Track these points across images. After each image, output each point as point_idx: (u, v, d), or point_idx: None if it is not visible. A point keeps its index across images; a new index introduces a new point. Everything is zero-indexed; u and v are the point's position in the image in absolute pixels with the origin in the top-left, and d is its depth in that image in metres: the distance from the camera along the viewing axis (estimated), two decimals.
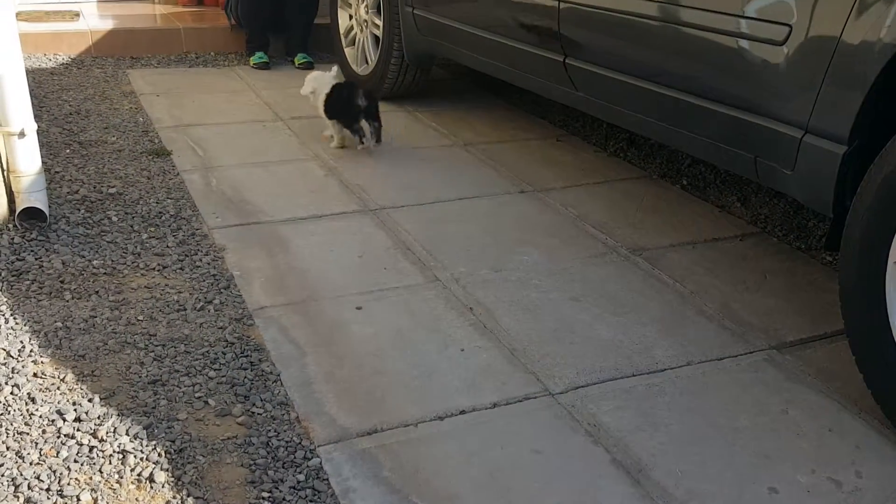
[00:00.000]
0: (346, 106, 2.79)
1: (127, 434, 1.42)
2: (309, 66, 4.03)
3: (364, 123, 2.77)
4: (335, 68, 2.94)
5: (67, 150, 2.72)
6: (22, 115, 2.07)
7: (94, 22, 4.31)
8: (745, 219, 2.40)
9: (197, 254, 2.05)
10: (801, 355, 1.73)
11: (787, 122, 1.67)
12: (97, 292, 1.85)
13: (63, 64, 3.91)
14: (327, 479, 1.34)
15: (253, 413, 1.49)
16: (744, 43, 1.73)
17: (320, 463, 1.37)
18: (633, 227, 2.32)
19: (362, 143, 2.81)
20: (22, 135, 2.08)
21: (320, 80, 2.88)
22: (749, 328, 1.83)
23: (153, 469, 1.35)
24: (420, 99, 3.55)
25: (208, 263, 2.01)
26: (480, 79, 3.87)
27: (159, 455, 1.38)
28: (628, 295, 1.95)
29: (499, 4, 2.56)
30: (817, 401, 1.59)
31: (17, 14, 3.98)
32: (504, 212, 2.39)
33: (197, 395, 1.53)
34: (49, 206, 2.18)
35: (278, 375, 1.59)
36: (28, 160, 2.10)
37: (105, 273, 1.94)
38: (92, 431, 1.42)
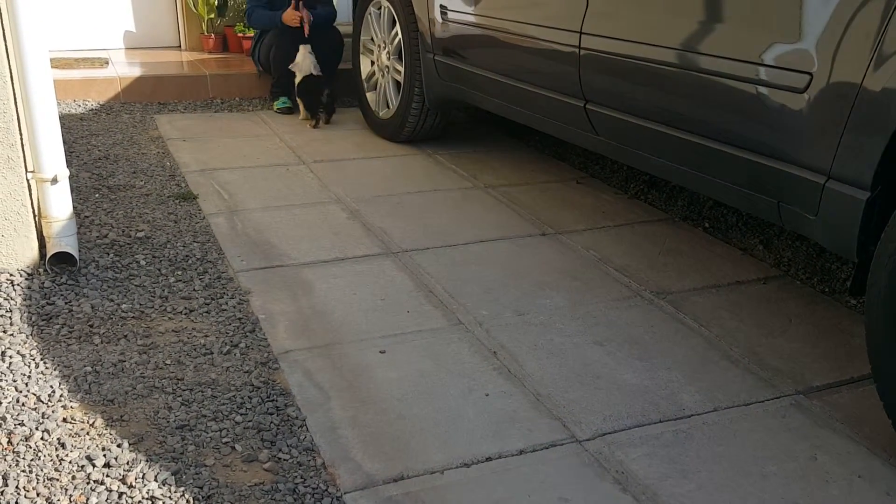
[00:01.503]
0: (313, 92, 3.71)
1: (155, 480, 1.42)
2: (332, 110, 4.09)
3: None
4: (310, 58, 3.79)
5: (97, 195, 2.78)
6: (55, 161, 2.12)
7: (123, 69, 4.42)
8: (769, 262, 2.40)
9: (223, 297, 2.07)
10: (829, 400, 1.71)
11: (810, 169, 1.67)
12: (126, 336, 1.87)
13: (92, 110, 4.01)
14: None
15: (279, 459, 1.49)
16: (764, 90, 1.75)
17: None
18: (656, 270, 2.31)
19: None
20: (54, 181, 2.12)
21: (303, 65, 3.79)
22: (775, 373, 1.81)
23: None
24: (440, 142, 3.59)
25: (234, 307, 2.03)
26: (500, 122, 3.92)
27: (187, 501, 1.38)
28: (653, 339, 1.94)
29: (520, 51, 2.61)
30: (846, 447, 1.56)
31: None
32: (526, 254, 2.40)
33: (224, 440, 1.53)
34: (79, 251, 2.21)
35: (304, 420, 1.59)
36: (60, 206, 2.15)
37: (133, 317, 1.96)
38: (121, 477, 1.42)
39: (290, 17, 4.03)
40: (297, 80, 3.88)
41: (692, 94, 1.94)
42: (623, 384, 1.75)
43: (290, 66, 3.92)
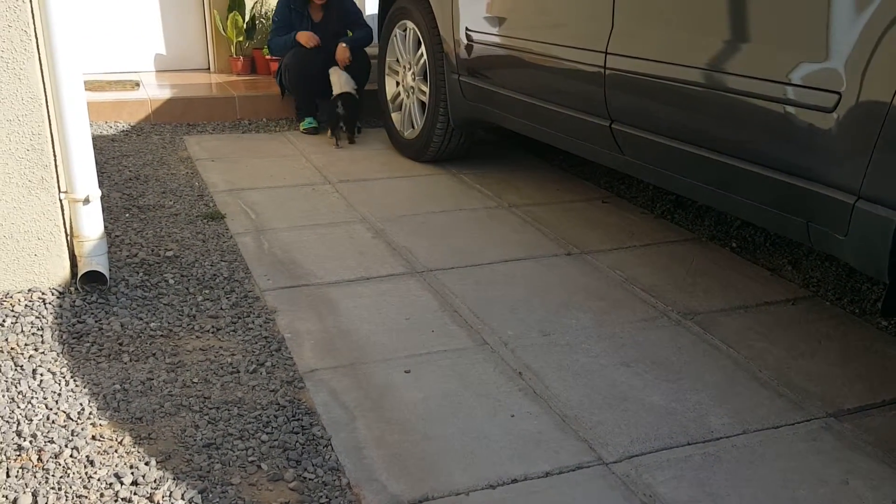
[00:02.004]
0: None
1: (182, 498, 1.43)
2: (358, 131, 4.13)
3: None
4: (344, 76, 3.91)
5: (127, 215, 2.82)
6: (87, 182, 2.16)
7: (153, 91, 4.51)
8: (797, 282, 2.36)
9: (249, 316, 2.09)
10: (860, 423, 1.67)
11: (839, 188, 1.65)
12: (154, 354, 1.89)
13: (123, 131, 4.09)
14: None
15: (305, 478, 1.49)
16: (793, 109, 1.73)
17: None
18: (683, 290, 2.29)
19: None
20: (87, 201, 2.16)
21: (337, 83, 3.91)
22: (805, 395, 1.78)
23: None
24: (465, 162, 3.61)
25: (260, 325, 2.04)
26: (524, 142, 3.93)
27: None
28: (681, 360, 1.92)
29: (545, 71, 2.62)
30: (878, 470, 1.52)
31: None
32: (551, 274, 2.40)
33: (250, 458, 1.54)
34: (109, 270, 2.25)
35: (329, 440, 1.59)
36: (91, 225, 2.19)
37: (162, 335, 1.98)
38: (148, 495, 1.44)
39: (306, 37, 4.09)
40: (335, 95, 3.94)
41: (719, 114, 1.93)
42: (650, 406, 1.73)
43: (334, 91, 3.98)
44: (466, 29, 3.06)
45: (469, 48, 3.07)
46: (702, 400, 1.75)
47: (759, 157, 1.84)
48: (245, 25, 4.96)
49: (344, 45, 4.11)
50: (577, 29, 2.44)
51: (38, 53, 2.04)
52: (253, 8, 5.07)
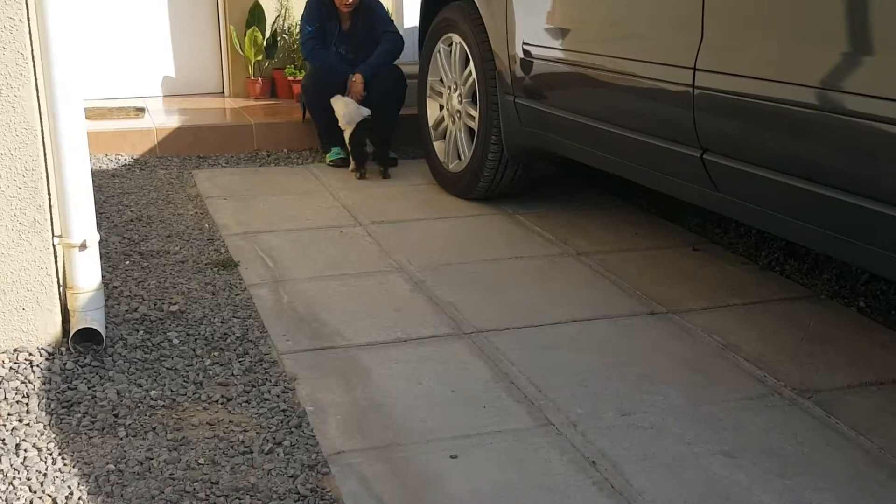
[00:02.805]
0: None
1: None
2: (392, 163, 4.17)
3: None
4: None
5: (127, 262, 2.87)
6: (85, 225, 2.19)
7: (160, 118, 4.64)
8: None
9: (265, 384, 2.08)
10: None
11: None
12: (154, 429, 1.88)
13: (125, 165, 4.19)
14: None
15: None
16: None
17: None
18: (797, 361, 2.21)
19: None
20: (83, 247, 2.19)
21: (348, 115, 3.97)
22: None
23: None
24: (522, 199, 3.59)
25: (278, 396, 2.03)
26: (595, 176, 3.90)
27: None
28: (797, 450, 1.83)
29: (619, 92, 2.60)
30: None
31: None
32: (630, 338, 2.34)
33: None
34: (106, 327, 2.27)
35: None
36: (87, 275, 2.21)
37: (163, 406, 1.98)
38: None
39: (356, 90, 4.14)
40: (350, 132, 4.01)
41: (840, 143, 1.87)
42: None
43: (340, 125, 4.05)
44: (524, 43, 3.08)
45: (527, 65, 3.08)
46: (825, 501, 1.67)
47: (894, 197, 1.77)
48: (265, 42, 5.09)
49: (358, 76, 4.14)
50: (659, 41, 2.42)
51: (35, 79, 2.10)
52: (275, 23, 5.20)
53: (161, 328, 2.36)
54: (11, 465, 1.75)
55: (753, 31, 2.10)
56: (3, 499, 1.64)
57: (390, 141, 4.33)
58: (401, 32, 4.39)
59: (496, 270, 2.85)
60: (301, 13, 4.35)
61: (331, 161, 4.20)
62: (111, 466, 1.75)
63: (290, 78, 5.08)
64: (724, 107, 2.17)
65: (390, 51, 4.25)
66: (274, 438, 1.86)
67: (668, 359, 2.23)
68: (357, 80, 4.15)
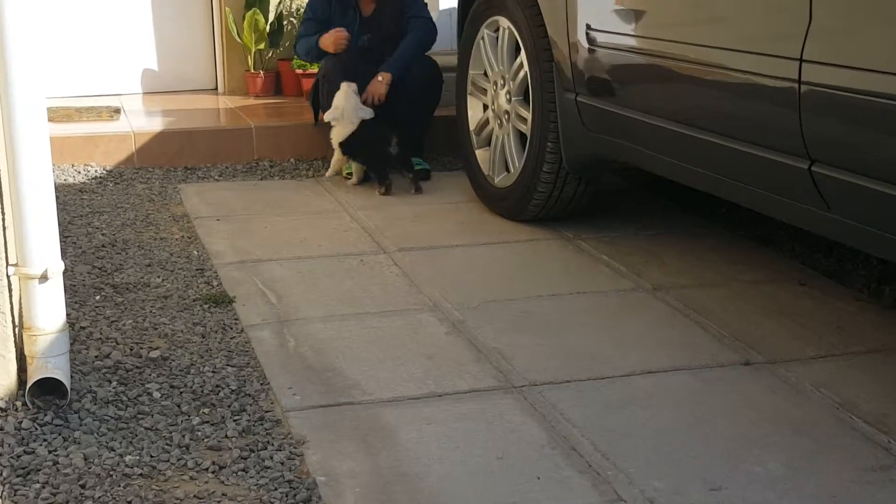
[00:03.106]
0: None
1: None
2: (424, 176, 4.21)
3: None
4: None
5: (97, 297, 2.92)
6: (46, 251, 2.23)
7: (139, 121, 4.73)
8: None
9: (266, 448, 2.10)
10: None
11: None
12: (130, 503, 1.91)
13: (96, 178, 4.28)
14: None
15: None
16: None
17: None
18: None
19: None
20: (44, 278, 2.24)
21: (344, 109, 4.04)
22: None
23: None
24: (585, 221, 3.60)
25: (281, 463, 2.05)
26: (676, 192, 3.90)
27: None
28: None
29: (707, 88, 2.61)
30: None
31: None
32: (720, 393, 2.34)
33: None
34: (71, 377, 2.31)
35: None
36: (49, 313, 2.26)
37: (141, 474, 2.01)
38: None
39: (332, 39, 4.19)
40: (337, 134, 4.08)
41: None
42: None
43: (325, 117, 4.10)
44: (588, 27, 3.10)
45: (592, 55, 3.10)
46: None
47: None
48: (268, 28, 5.16)
49: (385, 76, 4.18)
50: (756, 25, 2.43)
51: None
52: (280, 4, 5.28)
53: (139, 378, 2.40)
54: None
55: (876, 12, 2.10)
56: None
57: (422, 148, 4.37)
58: (436, 15, 4.44)
59: (552, 309, 2.85)
60: None
61: (349, 173, 4.24)
62: None
63: (299, 71, 5.14)
64: (838, 107, 2.17)
65: (420, 40, 4.29)
66: None
67: (767, 419, 2.21)
68: (384, 79, 4.19)
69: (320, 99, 4.36)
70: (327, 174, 4.27)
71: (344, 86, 4.06)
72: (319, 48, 4.28)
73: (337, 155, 4.19)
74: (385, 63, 4.24)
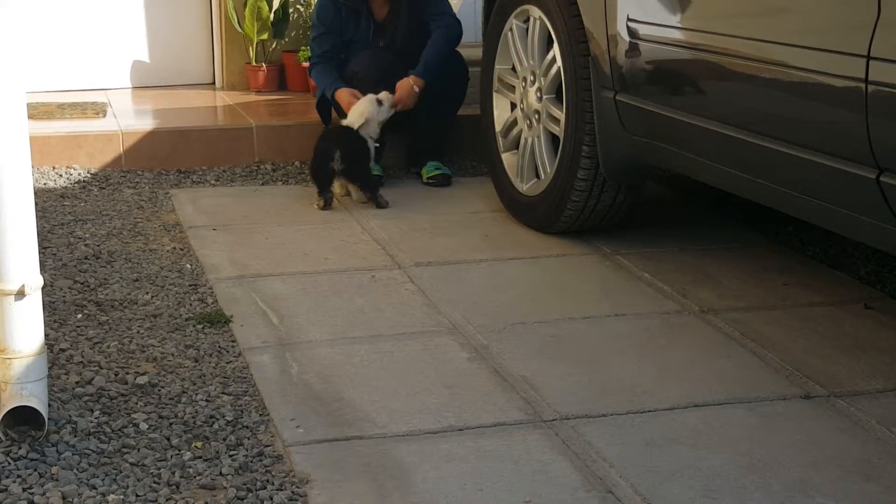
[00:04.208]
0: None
1: None
2: (444, 181, 4.21)
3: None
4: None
5: (79, 315, 2.93)
6: (23, 265, 2.24)
7: (128, 119, 4.75)
8: None
9: (265, 488, 2.10)
10: None
11: None
12: None
13: (79, 181, 4.30)
14: None
15: None
16: None
17: None
18: None
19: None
20: (20, 294, 2.24)
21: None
22: None
23: None
24: (624, 234, 3.59)
25: None
26: (726, 201, 3.88)
27: None
28: None
29: (762, 87, 2.61)
30: None
31: None
32: (777, 431, 2.32)
33: None
34: (49, 405, 2.31)
35: None
36: (26, 333, 2.26)
37: None
38: None
39: (346, 98, 4.17)
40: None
41: None
42: None
43: (349, 121, 4.07)
44: (629, 18, 3.10)
45: (634, 49, 3.10)
46: None
47: None
48: (273, 17, 5.18)
49: (419, 82, 4.16)
50: (817, 19, 2.42)
51: None
52: None
53: (124, 407, 2.40)
54: None
55: None
56: None
57: (443, 151, 4.36)
58: (459, 4, 4.44)
59: (588, 333, 2.84)
60: None
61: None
62: None
63: (306, 64, 5.14)
64: None
65: (448, 39, 4.30)
66: None
67: (830, 462, 2.20)
68: (415, 83, 4.16)
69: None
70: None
71: (371, 97, 4.08)
72: (333, 98, 4.28)
73: None
74: (417, 68, 4.22)
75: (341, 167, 3.91)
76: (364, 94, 4.14)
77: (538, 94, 3.63)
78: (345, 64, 4.34)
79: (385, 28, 4.36)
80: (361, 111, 4.03)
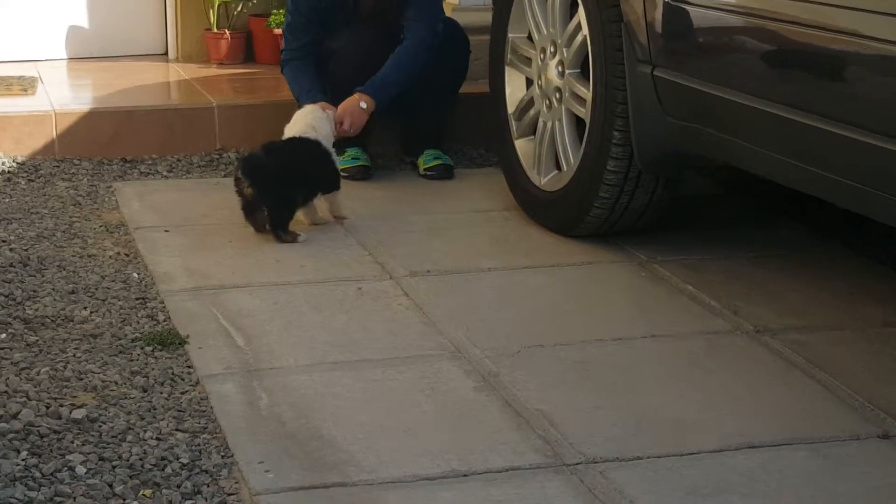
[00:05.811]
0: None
1: None
2: (445, 173, 4.22)
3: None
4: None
5: (3, 336, 2.91)
6: None
7: (62, 95, 4.75)
8: None
9: None
10: None
11: None
12: None
13: (3, 172, 4.29)
14: None
15: None
16: None
17: None
18: None
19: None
20: None
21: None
22: None
23: None
24: (662, 238, 3.61)
25: None
26: (782, 197, 3.88)
27: None
28: None
29: (830, 62, 2.62)
30: None
31: None
32: (848, 476, 2.32)
33: None
34: None
35: None
36: None
37: None
38: None
39: (354, 122, 4.04)
40: None
41: None
42: None
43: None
44: None
45: (677, 14, 3.10)
46: None
47: None
48: None
49: (369, 102, 4.02)
50: None
51: None
52: None
53: (57, 447, 2.39)
54: None
55: None
56: None
57: (443, 137, 4.37)
58: None
59: (618, 358, 2.84)
60: None
61: (344, 170, 4.22)
62: None
63: (277, 31, 5.15)
64: None
65: (411, 55, 4.16)
66: None
67: None
68: (368, 106, 4.04)
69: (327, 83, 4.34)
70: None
71: (316, 109, 3.92)
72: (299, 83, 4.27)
73: None
74: (366, 84, 4.10)
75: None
76: (343, 78, 4.13)
77: (559, 68, 3.63)
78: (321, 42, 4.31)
79: (373, 18, 4.27)
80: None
